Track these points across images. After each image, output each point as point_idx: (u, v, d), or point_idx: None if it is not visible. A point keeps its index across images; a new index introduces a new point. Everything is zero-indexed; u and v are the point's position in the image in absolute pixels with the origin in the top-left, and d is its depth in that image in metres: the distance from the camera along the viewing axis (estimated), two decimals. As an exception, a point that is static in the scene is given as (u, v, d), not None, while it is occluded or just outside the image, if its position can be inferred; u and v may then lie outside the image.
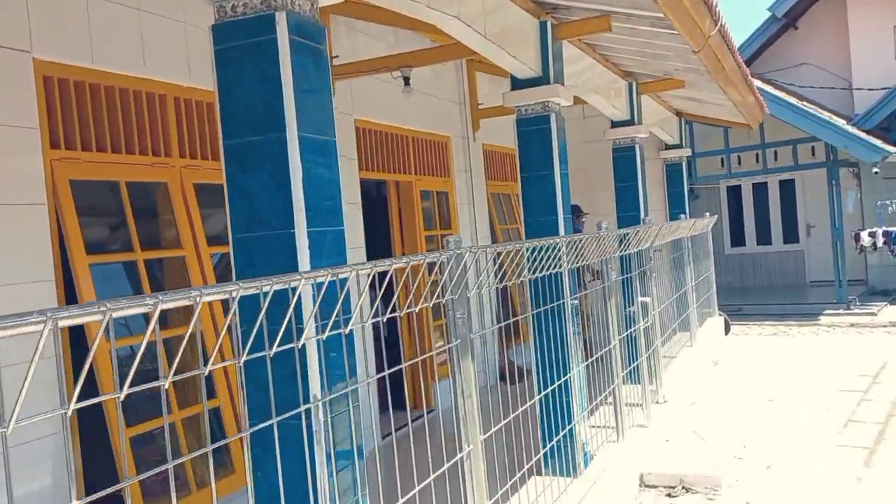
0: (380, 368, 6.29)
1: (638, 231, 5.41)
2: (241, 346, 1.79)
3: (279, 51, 2.19)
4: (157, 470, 1.66)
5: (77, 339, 3.55)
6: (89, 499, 1.45)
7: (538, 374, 4.66)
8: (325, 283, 1.83)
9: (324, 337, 2.05)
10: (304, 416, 2.09)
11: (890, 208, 12.04)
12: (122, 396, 1.42)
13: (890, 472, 4.77)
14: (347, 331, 2.10)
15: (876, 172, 11.82)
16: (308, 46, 2.28)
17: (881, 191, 13.00)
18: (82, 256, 3.55)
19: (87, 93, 3.73)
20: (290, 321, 1.88)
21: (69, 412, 1.28)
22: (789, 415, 6.25)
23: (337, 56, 5.28)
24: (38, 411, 1.22)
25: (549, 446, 4.38)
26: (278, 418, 1.87)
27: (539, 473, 4.60)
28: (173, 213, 4.17)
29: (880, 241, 11.43)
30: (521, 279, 3.86)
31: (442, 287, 2.66)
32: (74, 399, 1.30)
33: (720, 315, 10.19)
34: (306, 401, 2.16)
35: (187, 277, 4.14)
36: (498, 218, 8.59)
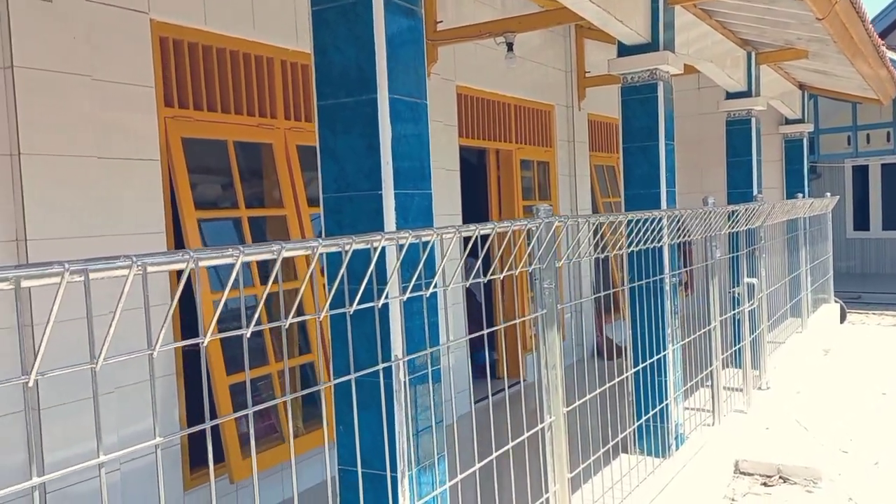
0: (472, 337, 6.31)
1: (748, 209, 5.16)
2: (325, 301, 1.83)
3: (373, 12, 2.19)
4: (240, 413, 1.73)
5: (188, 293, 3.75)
6: (162, 440, 1.53)
7: (634, 350, 4.57)
8: (406, 245, 1.84)
9: (404, 298, 2.06)
10: (382, 375, 2.12)
11: None
12: (206, 342, 1.48)
13: None
14: (428, 293, 2.10)
15: None
16: (403, 8, 2.27)
17: None
18: (191, 211, 3.73)
19: (199, 54, 3.89)
20: (370, 281, 1.90)
21: (155, 353, 1.35)
22: (905, 411, 5.86)
23: (441, 21, 5.26)
24: (114, 356, 1.28)
25: (637, 424, 4.28)
26: (354, 375, 1.91)
27: (629, 452, 4.53)
28: (277, 173, 4.30)
29: None
30: (616, 252, 3.77)
31: (530, 255, 2.63)
32: (159, 342, 1.36)
33: (836, 302, 9.64)
34: (386, 359, 2.20)
35: (288, 236, 4.28)
36: (601, 190, 8.39)
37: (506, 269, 2.45)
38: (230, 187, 4.04)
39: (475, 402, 6.11)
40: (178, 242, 3.76)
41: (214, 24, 3.91)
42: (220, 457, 3.74)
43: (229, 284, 1.43)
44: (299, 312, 4.00)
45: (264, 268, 4.01)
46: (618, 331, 7.55)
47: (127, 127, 3.49)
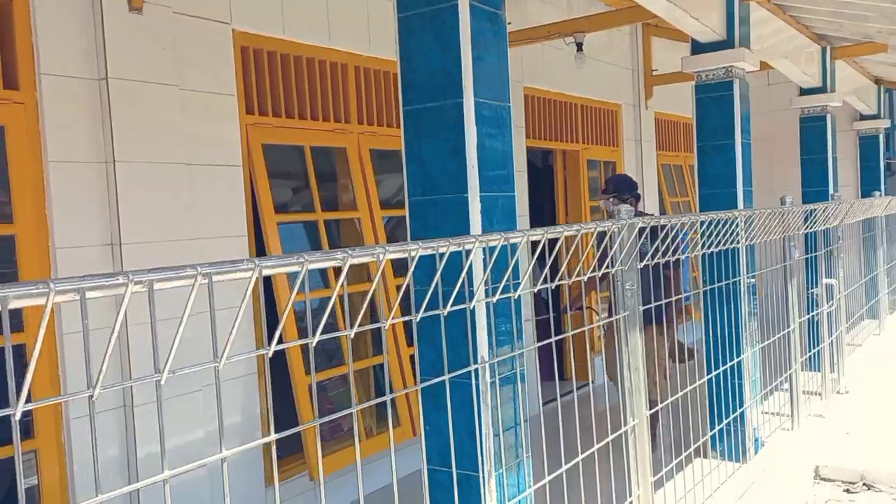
0: (541, 337, 6.31)
1: (826, 208, 5.02)
2: (415, 304, 1.86)
3: (459, 17, 2.22)
4: (338, 415, 1.78)
5: (265, 293, 3.85)
6: (277, 436, 1.59)
7: (708, 354, 4.49)
8: (498, 248, 1.86)
9: (494, 300, 2.09)
10: (473, 376, 2.15)
11: None
12: (315, 342, 1.53)
13: None
14: (517, 296, 2.12)
15: None
16: (487, 12, 2.30)
17: None
18: (272, 215, 3.83)
19: (277, 62, 3.99)
20: (462, 283, 1.93)
21: (270, 353, 1.40)
22: None
23: (510, 23, 5.25)
24: (236, 355, 1.34)
25: (717, 429, 4.21)
26: (448, 376, 1.94)
27: (705, 456, 4.45)
28: (350, 176, 4.38)
29: None
30: (694, 254, 3.71)
31: (611, 258, 2.62)
32: (276, 341, 1.41)
33: (916, 303, 9.27)
34: (474, 361, 2.22)
35: (361, 238, 4.35)
36: (668, 190, 8.27)
37: (590, 269, 2.45)
38: (307, 191, 4.13)
39: (543, 404, 6.09)
40: (259, 245, 3.86)
41: (292, 32, 4.01)
42: (298, 452, 3.83)
43: (338, 285, 1.48)
44: (375, 315, 4.07)
45: (336, 269, 4.08)
46: (687, 334, 7.42)
47: (211, 134, 3.61)
